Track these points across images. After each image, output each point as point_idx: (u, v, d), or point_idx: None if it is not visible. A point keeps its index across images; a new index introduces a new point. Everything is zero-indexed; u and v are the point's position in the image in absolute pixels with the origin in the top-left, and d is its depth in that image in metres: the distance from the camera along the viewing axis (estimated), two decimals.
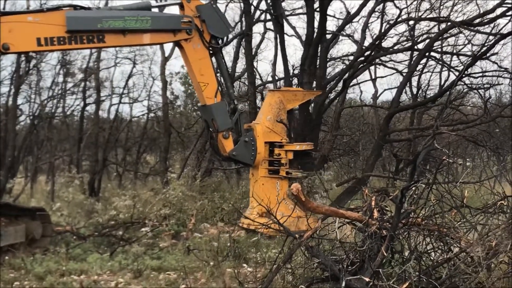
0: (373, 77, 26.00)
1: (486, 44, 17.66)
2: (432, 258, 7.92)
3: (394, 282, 7.33)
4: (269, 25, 24.12)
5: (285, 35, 19.87)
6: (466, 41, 20.41)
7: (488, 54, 17.16)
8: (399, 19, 19.21)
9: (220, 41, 13.87)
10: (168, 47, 24.95)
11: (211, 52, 13.69)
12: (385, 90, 26.57)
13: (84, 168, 27.00)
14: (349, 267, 8.18)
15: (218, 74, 13.99)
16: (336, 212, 8.55)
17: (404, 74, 22.07)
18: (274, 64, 22.65)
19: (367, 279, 7.19)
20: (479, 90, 18.41)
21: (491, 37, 17.44)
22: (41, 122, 25.98)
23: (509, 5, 15.99)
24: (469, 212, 8.29)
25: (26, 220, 13.07)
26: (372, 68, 24.25)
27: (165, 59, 24.07)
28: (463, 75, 16.78)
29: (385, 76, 27.18)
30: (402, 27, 20.13)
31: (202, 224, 15.67)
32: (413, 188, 8.29)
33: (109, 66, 28.07)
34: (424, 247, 7.96)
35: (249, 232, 14.22)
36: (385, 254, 7.69)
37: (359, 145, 25.92)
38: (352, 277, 7.38)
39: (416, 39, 20.78)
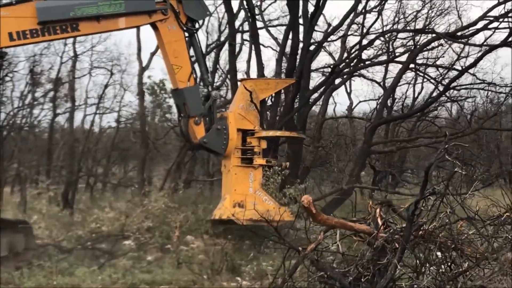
0: (348, 89, 26.16)
1: (468, 56, 17.98)
2: (443, 271, 7.82)
3: None
4: (247, 36, 24.12)
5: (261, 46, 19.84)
6: (442, 53, 20.78)
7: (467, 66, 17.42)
8: (382, 30, 19.33)
9: (196, 24, 13.63)
10: (145, 57, 24.72)
11: (186, 35, 13.45)
12: (360, 102, 26.77)
13: (55, 179, 26.39)
14: (358, 281, 8.08)
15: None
16: (345, 225, 8.42)
17: (382, 86, 22.27)
18: (247, 73, 22.48)
19: None
20: (459, 103, 18.63)
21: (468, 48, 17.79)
22: (11, 132, 25.36)
23: (491, 18, 16.26)
24: (474, 224, 8.22)
25: (8, 233, 12.63)
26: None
27: (143, 69, 23.77)
28: (450, 88, 16.98)
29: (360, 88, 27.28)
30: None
31: (186, 236, 15.41)
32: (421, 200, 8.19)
33: (80, 76, 27.53)
34: (437, 260, 7.86)
35: (221, 223, 14.07)
36: (398, 266, 7.57)
37: (333, 157, 25.89)
38: None
39: (392, 51, 21.02)
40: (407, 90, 23.66)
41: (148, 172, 28.02)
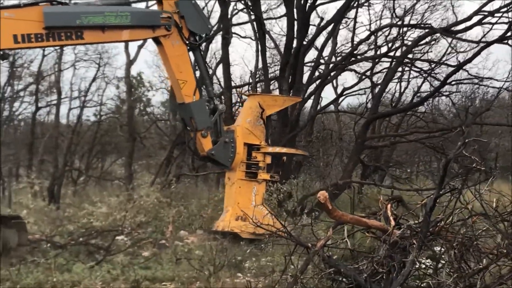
0: (335, 84, 26.10)
1: (457, 51, 18.03)
2: (460, 268, 7.73)
3: None
4: (235, 29, 24.00)
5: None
6: (429, 47, 20.89)
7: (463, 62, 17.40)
8: (376, 26, 19.33)
9: (198, 38, 13.54)
10: (132, 50, 24.46)
11: (189, 49, 13.38)
12: (346, 96, 26.69)
13: (39, 173, 25.91)
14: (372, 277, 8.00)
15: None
16: (359, 221, 8.35)
17: (370, 79, 22.32)
18: (255, 67, 22.16)
19: None
20: (451, 97, 18.70)
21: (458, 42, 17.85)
22: None
23: (486, 13, 16.30)
24: (493, 221, 8.12)
25: (1, 228, 12.32)
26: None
27: (130, 62, 23.42)
28: (446, 83, 17.01)
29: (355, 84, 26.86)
30: (363, 34, 20.55)
31: (180, 231, 15.24)
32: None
33: (63, 69, 27.07)
34: (453, 256, 7.77)
35: (224, 236, 13.97)
36: (416, 263, 7.51)
37: (320, 151, 25.86)
38: None
39: (382, 45, 21.05)
40: (396, 85, 23.74)
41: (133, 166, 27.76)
